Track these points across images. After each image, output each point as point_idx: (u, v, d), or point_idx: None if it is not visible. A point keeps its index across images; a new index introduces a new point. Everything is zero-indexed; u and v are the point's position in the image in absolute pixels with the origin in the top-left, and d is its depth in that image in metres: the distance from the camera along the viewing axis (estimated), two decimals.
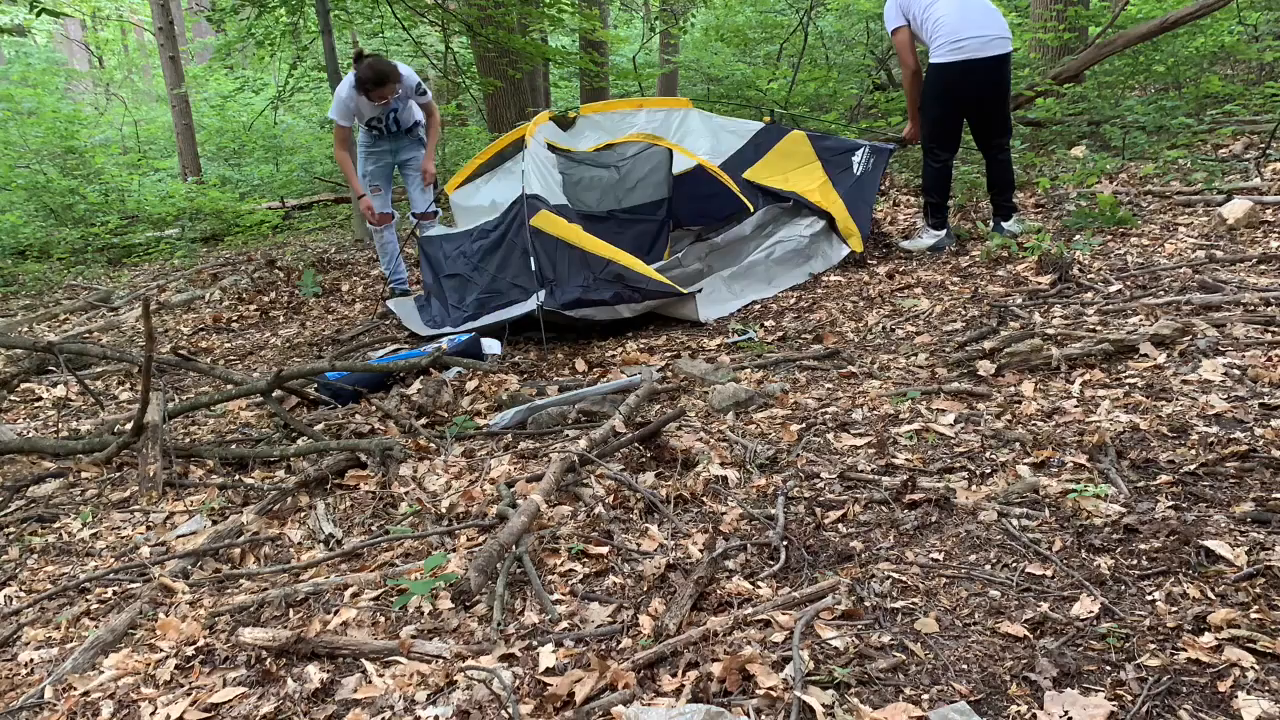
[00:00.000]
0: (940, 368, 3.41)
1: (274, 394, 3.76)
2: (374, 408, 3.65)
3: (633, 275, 4.31)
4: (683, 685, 1.75)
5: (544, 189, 4.53)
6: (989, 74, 4.68)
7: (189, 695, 1.94)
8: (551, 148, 4.92)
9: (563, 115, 5.16)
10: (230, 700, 1.91)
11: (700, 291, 4.47)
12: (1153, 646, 1.73)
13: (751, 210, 5.00)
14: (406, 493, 2.88)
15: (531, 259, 4.29)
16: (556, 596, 2.16)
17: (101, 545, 2.85)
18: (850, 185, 5.02)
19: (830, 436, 2.91)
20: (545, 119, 5.08)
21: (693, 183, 5.46)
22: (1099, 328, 3.47)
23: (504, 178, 5.09)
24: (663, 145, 5.30)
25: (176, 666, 2.06)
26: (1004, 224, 4.99)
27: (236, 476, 3.24)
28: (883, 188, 6.57)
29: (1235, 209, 4.53)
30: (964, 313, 4.01)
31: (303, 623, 2.20)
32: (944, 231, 5.05)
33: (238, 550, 2.67)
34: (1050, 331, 3.41)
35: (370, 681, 1.91)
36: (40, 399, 4.59)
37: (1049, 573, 2.01)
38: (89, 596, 2.51)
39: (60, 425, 4.17)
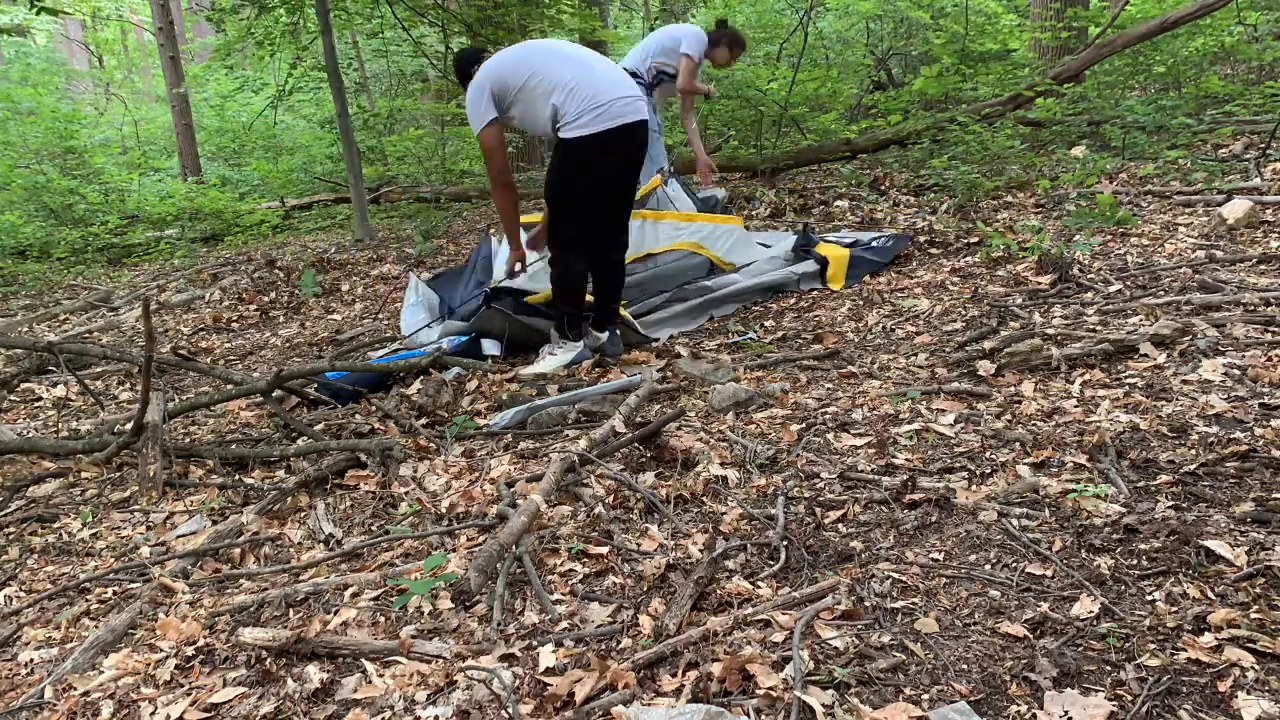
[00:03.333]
0: (940, 368, 3.41)
1: (274, 394, 3.76)
2: (374, 408, 3.65)
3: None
4: (683, 685, 1.75)
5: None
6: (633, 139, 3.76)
7: (189, 695, 1.94)
8: None
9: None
10: (230, 700, 1.91)
11: (653, 333, 4.43)
12: (1153, 646, 1.73)
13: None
14: (406, 493, 2.88)
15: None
16: (556, 596, 2.17)
17: (101, 545, 2.85)
18: (862, 248, 5.06)
19: (830, 436, 2.91)
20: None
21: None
22: (1099, 328, 3.47)
23: None
24: (704, 254, 5.15)
25: (176, 666, 2.06)
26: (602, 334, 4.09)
27: (236, 476, 3.24)
28: (883, 188, 6.57)
29: (1235, 209, 4.53)
30: (964, 313, 4.01)
31: (303, 623, 2.20)
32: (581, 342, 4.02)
33: (238, 550, 2.67)
34: (1050, 331, 3.41)
35: (370, 681, 1.91)
36: (40, 399, 4.59)
37: (1049, 573, 2.01)
38: (89, 596, 2.51)
39: (60, 425, 4.17)
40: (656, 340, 4.30)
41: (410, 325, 4.91)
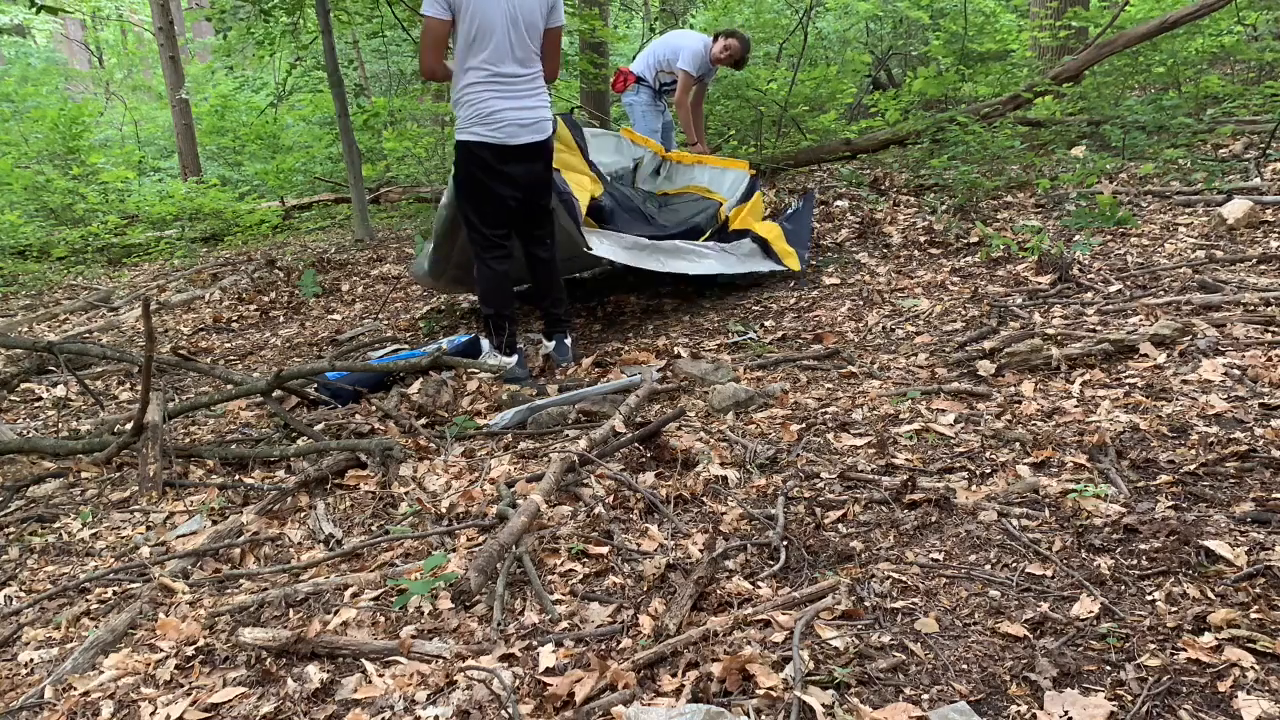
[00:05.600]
0: (940, 368, 3.41)
1: (274, 394, 3.76)
2: (374, 408, 3.65)
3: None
4: (683, 685, 1.75)
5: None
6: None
7: (189, 695, 1.94)
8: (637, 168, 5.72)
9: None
10: (230, 700, 1.91)
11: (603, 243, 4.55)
12: (1153, 646, 1.73)
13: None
14: (406, 493, 2.88)
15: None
16: (556, 596, 2.17)
17: (101, 545, 2.85)
18: (783, 220, 5.40)
19: (830, 436, 2.91)
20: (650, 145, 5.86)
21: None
22: (1099, 328, 3.47)
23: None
24: (714, 199, 5.63)
25: (176, 666, 2.06)
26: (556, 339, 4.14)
27: (236, 476, 3.24)
28: (883, 188, 6.57)
29: (1235, 209, 4.53)
30: (964, 313, 4.01)
31: (303, 623, 2.20)
32: (514, 357, 3.97)
33: (238, 550, 2.67)
34: (1050, 331, 3.41)
35: (370, 681, 1.91)
36: (40, 399, 4.59)
37: (1049, 573, 2.01)
38: (89, 596, 2.51)
39: (60, 425, 4.17)
40: (589, 249, 4.31)
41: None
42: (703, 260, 4.76)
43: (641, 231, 5.03)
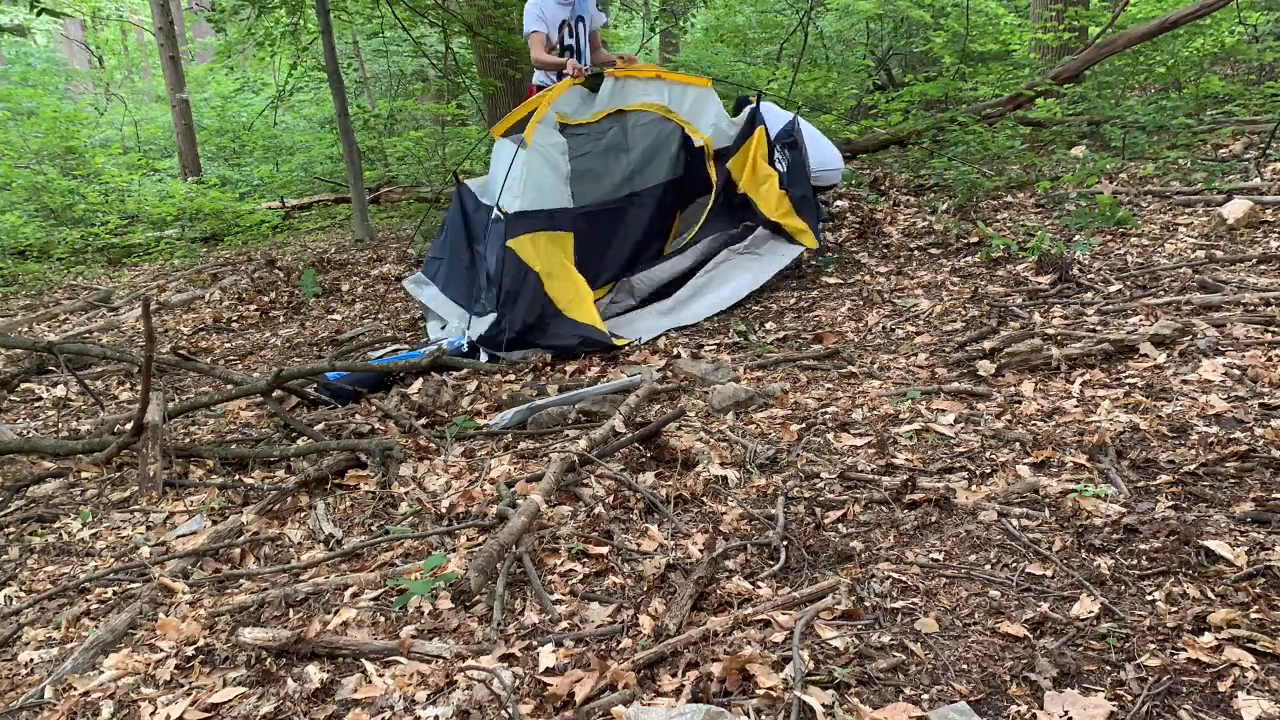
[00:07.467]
0: (940, 368, 3.41)
1: (274, 394, 3.76)
2: (374, 408, 3.65)
3: (583, 329, 4.24)
4: (683, 685, 1.75)
5: (539, 192, 4.44)
6: None
7: (189, 695, 1.94)
8: (564, 126, 4.66)
9: (594, 76, 4.77)
10: (230, 700, 1.91)
11: (631, 338, 4.39)
12: (1153, 646, 1.73)
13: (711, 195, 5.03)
14: (406, 493, 2.88)
15: (496, 289, 4.24)
16: (556, 596, 2.17)
17: (101, 545, 2.85)
18: (785, 184, 4.93)
19: (830, 436, 2.91)
20: (568, 86, 4.66)
21: (693, 160, 5.33)
22: (1099, 328, 3.47)
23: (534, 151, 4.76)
24: (674, 120, 5.08)
25: (176, 666, 2.06)
26: None
27: (236, 476, 3.24)
28: (883, 188, 6.57)
29: (1235, 209, 4.53)
30: (964, 313, 4.01)
31: (303, 623, 2.20)
32: None
33: (238, 550, 2.67)
34: (1050, 331, 3.41)
35: (370, 681, 1.91)
36: (40, 399, 4.59)
37: (1049, 573, 2.01)
38: (89, 596, 2.51)
39: (60, 425, 4.17)
40: (639, 340, 4.27)
41: (435, 334, 4.83)
42: (726, 286, 4.68)
43: (617, 214, 4.80)
